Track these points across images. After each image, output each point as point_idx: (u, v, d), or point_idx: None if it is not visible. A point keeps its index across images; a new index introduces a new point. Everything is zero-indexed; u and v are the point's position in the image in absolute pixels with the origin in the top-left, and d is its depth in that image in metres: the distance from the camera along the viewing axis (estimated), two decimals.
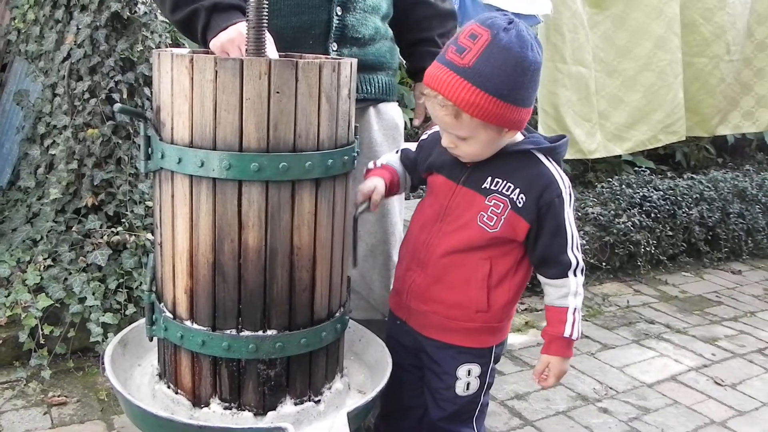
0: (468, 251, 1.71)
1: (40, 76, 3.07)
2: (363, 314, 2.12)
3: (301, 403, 1.59)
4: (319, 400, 1.62)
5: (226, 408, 1.55)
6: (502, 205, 1.66)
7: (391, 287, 2.02)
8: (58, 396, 2.59)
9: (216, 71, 1.37)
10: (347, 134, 1.55)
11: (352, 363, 1.87)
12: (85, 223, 2.90)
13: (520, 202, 1.65)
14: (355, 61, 1.55)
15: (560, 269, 1.69)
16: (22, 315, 2.67)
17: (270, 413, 1.55)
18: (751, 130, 4.46)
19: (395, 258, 2.15)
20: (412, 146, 1.90)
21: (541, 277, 1.75)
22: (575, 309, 1.70)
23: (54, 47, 2.97)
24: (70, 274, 2.79)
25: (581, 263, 1.71)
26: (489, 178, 1.68)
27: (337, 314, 1.63)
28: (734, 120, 4.39)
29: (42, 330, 2.69)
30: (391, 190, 1.85)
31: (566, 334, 1.70)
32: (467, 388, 1.82)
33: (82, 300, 2.74)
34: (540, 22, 3.38)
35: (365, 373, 1.85)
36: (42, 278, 2.78)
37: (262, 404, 1.55)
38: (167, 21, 3.17)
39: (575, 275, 1.69)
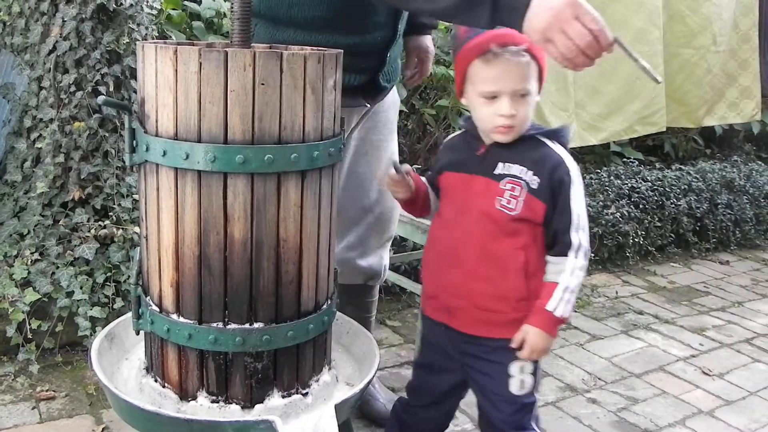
0: (501, 239, 1.73)
1: (26, 69, 3.05)
2: (344, 279, 2.25)
3: (289, 395, 1.59)
4: (307, 393, 1.62)
5: (213, 401, 1.55)
6: (518, 187, 1.71)
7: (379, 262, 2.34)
8: (47, 390, 2.58)
9: (200, 63, 1.37)
10: (333, 126, 1.54)
11: (340, 355, 1.87)
12: (73, 216, 2.89)
13: (534, 184, 1.71)
14: (341, 52, 1.54)
15: (561, 248, 1.72)
16: (9, 309, 2.65)
17: (257, 406, 1.55)
18: (735, 120, 4.49)
19: (394, 227, 2.44)
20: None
21: (546, 256, 1.76)
22: (566, 288, 1.70)
23: (39, 40, 2.95)
24: (58, 268, 2.78)
25: (584, 246, 1.73)
26: (500, 164, 1.74)
27: (324, 306, 1.63)
28: (720, 111, 4.42)
29: (29, 324, 2.67)
30: (419, 187, 1.92)
31: (549, 307, 1.69)
32: (522, 386, 1.80)
33: (69, 294, 2.73)
34: None
35: (353, 365, 1.85)
36: (29, 272, 2.76)
37: (249, 397, 1.55)
38: (153, 13, 3.16)
39: (576, 257, 1.71)
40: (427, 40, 2.44)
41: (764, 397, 2.99)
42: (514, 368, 1.79)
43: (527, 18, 1.50)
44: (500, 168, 1.74)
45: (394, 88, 2.34)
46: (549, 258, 1.75)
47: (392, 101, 2.34)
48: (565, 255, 1.72)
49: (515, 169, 1.72)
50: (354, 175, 2.24)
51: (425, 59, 2.46)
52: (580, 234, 1.72)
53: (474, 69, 1.69)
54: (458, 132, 1.92)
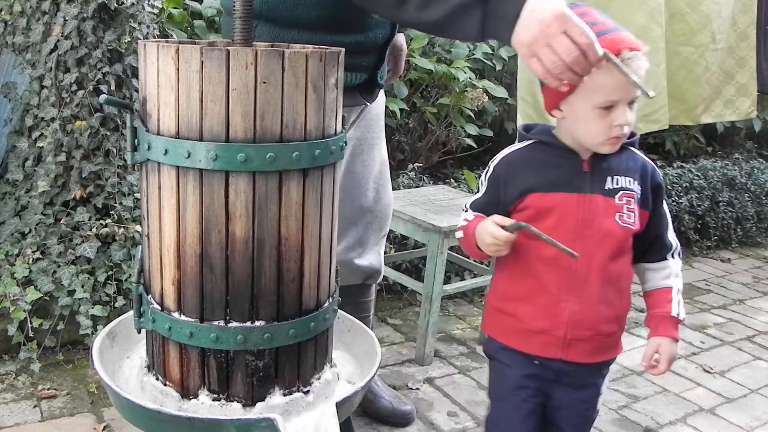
0: (618, 258, 1.65)
1: (28, 68, 3.05)
2: (342, 281, 2.26)
3: (290, 393, 1.59)
4: (308, 391, 1.62)
5: (214, 399, 1.55)
6: (632, 200, 1.63)
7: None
8: (48, 389, 2.59)
9: (202, 61, 1.37)
10: (335, 124, 1.54)
11: (341, 353, 1.87)
12: (74, 215, 2.89)
13: (638, 193, 1.65)
14: (342, 50, 1.54)
15: (662, 252, 1.71)
16: (10, 308, 2.66)
17: (259, 404, 1.55)
18: (731, 118, 4.50)
19: (389, 223, 2.44)
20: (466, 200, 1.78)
21: (641, 265, 1.74)
22: (678, 290, 1.70)
23: (41, 39, 2.96)
24: (59, 266, 2.78)
25: (678, 246, 1.72)
26: (608, 179, 1.63)
27: (326, 305, 1.63)
28: (717, 108, 4.43)
29: (31, 323, 2.68)
30: None
31: (674, 313, 1.68)
32: (602, 401, 1.78)
33: (71, 293, 2.74)
34: None
35: (354, 363, 1.85)
36: (31, 271, 2.77)
37: (250, 395, 1.55)
38: (155, 12, 3.16)
39: (674, 257, 1.71)
40: (400, 38, 2.44)
41: (765, 395, 2.99)
42: (604, 385, 1.76)
43: (516, 30, 1.46)
44: (609, 182, 1.63)
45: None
46: (648, 265, 1.72)
47: (381, 99, 2.36)
48: (665, 258, 1.70)
49: (623, 181, 1.63)
50: (351, 175, 2.24)
51: (399, 57, 2.47)
52: (672, 235, 1.71)
53: (596, 78, 1.50)
54: (520, 146, 1.71)
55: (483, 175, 1.74)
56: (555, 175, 1.64)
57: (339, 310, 1.77)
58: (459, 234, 1.75)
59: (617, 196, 1.63)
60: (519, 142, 1.73)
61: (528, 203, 1.64)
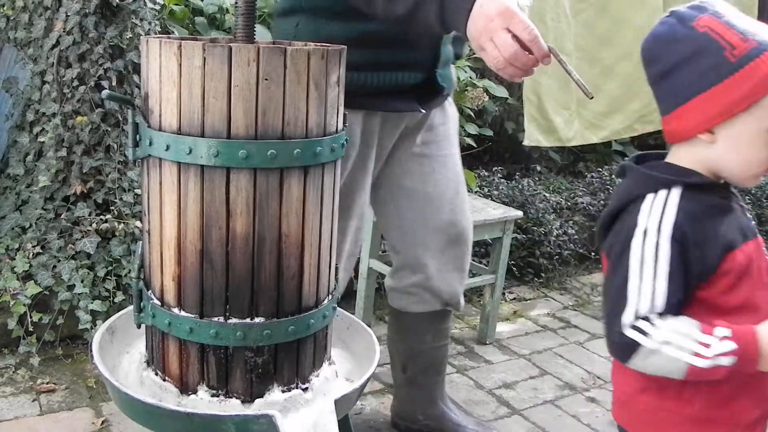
0: None
1: (29, 63, 3.06)
2: (425, 306, 2.27)
3: (289, 390, 1.59)
4: (307, 388, 1.63)
5: (213, 395, 1.55)
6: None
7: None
8: (47, 383, 2.60)
9: (204, 58, 1.37)
10: (336, 121, 1.54)
11: (340, 351, 1.88)
12: (74, 210, 2.90)
13: None
14: (344, 48, 1.55)
15: None
16: (10, 302, 2.66)
17: (257, 400, 1.56)
18: None
19: (470, 245, 2.27)
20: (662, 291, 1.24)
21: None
22: None
23: (43, 34, 2.96)
24: (59, 261, 2.79)
25: None
26: (746, 212, 1.37)
27: (325, 302, 1.64)
28: None
29: (31, 317, 2.68)
30: None
31: None
32: None
33: (70, 287, 2.74)
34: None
35: (353, 361, 1.85)
36: (31, 265, 2.77)
37: (249, 392, 1.56)
38: (156, 8, 3.16)
39: None
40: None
41: None
42: None
43: (468, 24, 1.52)
44: (749, 215, 1.36)
45: (452, 101, 2.22)
46: None
47: (451, 115, 2.21)
48: None
49: (747, 212, 1.38)
50: (422, 195, 2.14)
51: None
52: None
53: None
54: (674, 198, 1.27)
55: (648, 257, 1.25)
56: (732, 220, 1.30)
57: (338, 308, 1.77)
58: (722, 361, 1.22)
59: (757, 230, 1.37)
60: (651, 189, 1.30)
61: (730, 265, 1.27)
